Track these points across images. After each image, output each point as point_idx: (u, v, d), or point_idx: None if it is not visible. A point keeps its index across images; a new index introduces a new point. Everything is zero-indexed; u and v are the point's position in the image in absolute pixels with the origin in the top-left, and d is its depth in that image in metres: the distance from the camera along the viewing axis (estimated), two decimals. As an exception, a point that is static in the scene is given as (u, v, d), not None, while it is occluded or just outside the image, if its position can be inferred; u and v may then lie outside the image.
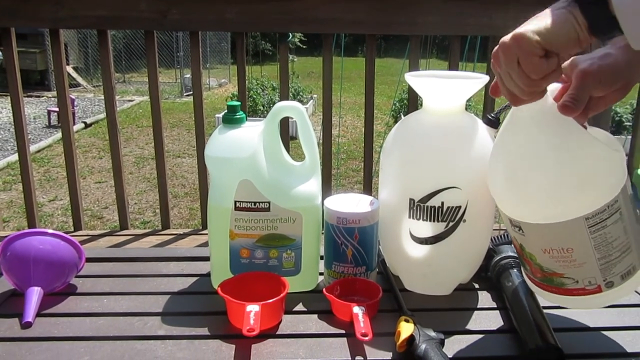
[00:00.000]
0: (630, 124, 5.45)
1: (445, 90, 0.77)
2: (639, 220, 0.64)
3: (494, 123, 0.78)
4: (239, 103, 0.81)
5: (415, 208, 0.77)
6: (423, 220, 0.77)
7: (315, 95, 8.40)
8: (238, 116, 0.80)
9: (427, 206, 0.76)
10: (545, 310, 0.73)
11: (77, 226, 2.02)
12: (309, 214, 0.82)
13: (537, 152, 0.62)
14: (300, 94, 7.94)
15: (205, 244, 1.90)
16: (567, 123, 0.60)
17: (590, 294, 0.64)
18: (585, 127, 0.64)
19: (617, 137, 4.70)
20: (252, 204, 0.79)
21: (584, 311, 0.79)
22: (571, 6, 0.56)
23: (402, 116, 6.67)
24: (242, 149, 0.78)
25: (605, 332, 0.74)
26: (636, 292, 0.85)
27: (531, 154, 0.62)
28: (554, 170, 0.61)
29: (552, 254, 0.63)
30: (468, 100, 0.81)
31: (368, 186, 2.03)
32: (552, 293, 0.67)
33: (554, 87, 0.64)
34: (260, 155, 0.79)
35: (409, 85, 0.83)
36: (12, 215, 3.85)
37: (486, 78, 0.77)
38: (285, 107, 0.82)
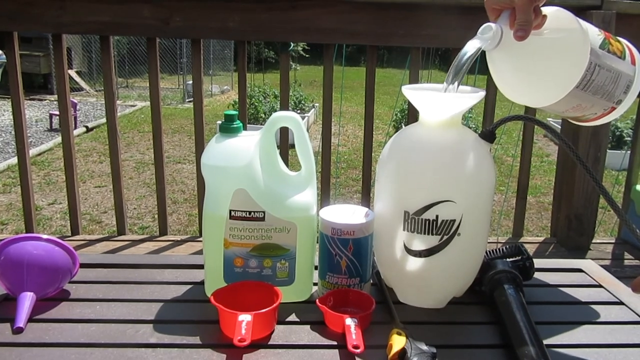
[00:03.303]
0: (631, 138, 5.46)
1: (442, 104, 0.77)
2: (609, 58, 0.79)
3: (489, 137, 0.79)
4: (236, 112, 0.82)
5: (409, 221, 0.77)
6: (417, 233, 0.77)
7: (317, 104, 8.42)
8: (235, 125, 0.81)
9: (422, 219, 0.76)
10: (538, 326, 0.72)
11: (75, 230, 2.02)
12: (304, 224, 0.82)
13: (518, 71, 0.82)
14: (302, 102, 7.95)
15: (202, 251, 1.90)
16: (525, 43, 0.76)
17: (609, 114, 0.83)
18: (545, 16, 0.78)
19: (616, 151, 4.67)
20: (247, 213, 0.79)
21: (577, 328, 0.79)
22: None
23: (403, 126, 6.69)
24: (238, 158, 0.78)
25: (597, 349, 0.73)
26: (628, 308, 0.85)
27: (514, 75, 0.83)
28: (535, 77, 0.80)
29: (569, 112, 0.82)
30: (468, 112, 0.82)
31: (367, 196, 2.03)
32: (586, 123, 0.87)
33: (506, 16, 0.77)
34: (256, 164, 0.79)
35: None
36: (10, 218, 3.85)
37: (482, 93, 0.77)
38: (282, 117, 0.82)
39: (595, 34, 0.79)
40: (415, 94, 0.78)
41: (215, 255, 0.82)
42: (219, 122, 5.79)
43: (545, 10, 0.78)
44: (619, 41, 0.82)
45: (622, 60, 0.80)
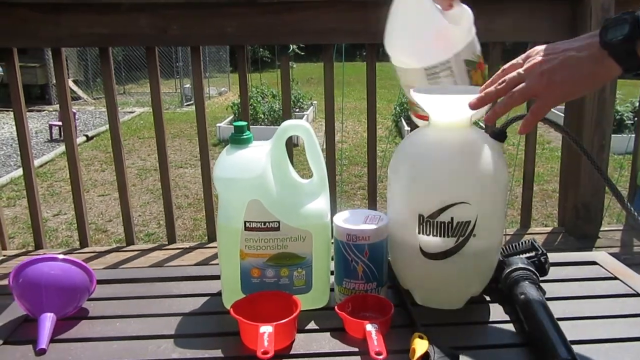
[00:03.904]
0: (632, 122, 5.45)
1: (452, 106, 0.77)
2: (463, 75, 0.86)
3: (500, 136, 0.78)
4: (245, 123, 0.82)
5: (424, 224, 0.77)
6: (433, 235, 0.77)
7: (315, 102, 8.41)
8: (245, 136, 0.81)
9: (437, 222, 0.76)
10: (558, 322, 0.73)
11: (84, 243, 2.02)
12: (319, 232, 0.82)
13: (396, 19, 0.87)
14: (301, 100, 7.95)
15: (212, 258, 1.91)
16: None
17: (425, 119, 0.84)
18: (451, 6, 0.87)
19: (618, 135, 4.66)
20: (262, 223, 0.80)
21: (596, 322, 0.79)
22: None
23: (403, 120, 6.69)
24: (251, 169, 0.78)
25: (619, 344, 0.73)
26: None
27: (395, 21, 0.88)
28: (411, 37, 0.86)
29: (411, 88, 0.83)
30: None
31: (373, 195, 2.03)
32: (413, 116, 0.94)
33: None
34: (268, 174, 0.79)
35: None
36: (16, 232, 3.85)
37: (492, 91, 0.77)
38: (292, 126, 0.82)
39: (473, 52, 0.87)
40: (425, 97, 0.78)
41: (232, 267, 0.82)
42: (219, 124, 5.78)
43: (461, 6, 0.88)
44: (483, 80, 0.86)
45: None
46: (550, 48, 0.70)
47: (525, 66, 0.70)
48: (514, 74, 0.71)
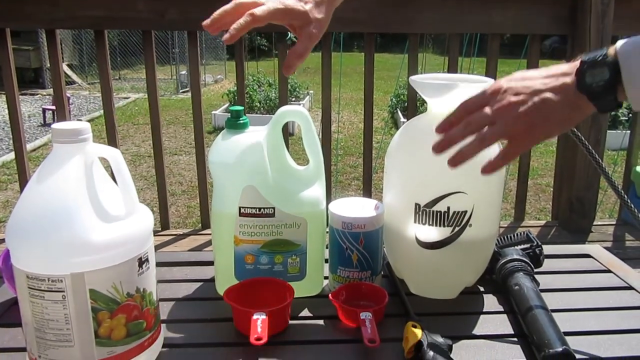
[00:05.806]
0: (626, 118, 5.47)
1: (451, 95, 0.76)
2: None
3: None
4: (242, 107, 0.81)
5: (420, 213, 0.76)
6: (429, 225, 0.76)
7: (311, 91, 8.38)
8: (242, 121, 0.80)
9: (433, 211, 0.75)
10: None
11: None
12: (314, 219, 0.81)
13: None
14: (297, 90, 7.91)
15: (205, 245, 1.90)
16: None
17: None
18: None
19: (612, 131, 4.68)
20: (257, 209, 0.79)
21: (589, 314, 0.79)
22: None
23: (399, 112, 6.68)
24: (246, 154, 0.78)
25: (609, 336, 0.74)
26: (639, 293, 0.85)
27: None
28: None
29: None
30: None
31: (368, 185, 2.03)
32: None
33: None
34: (264, 160, 0.78)
35: (408, 83, 0.82)
36: (8, 216, 3.83)
37: (491, 81, 0.77)
38: (289, 112, 0.81)
39: (113, 285, 0.59)
40: (424, 85, 0.77)
41: (226, 253, 0.82)
42: (214, 112, 5.74)
43: None
44: (108, 332, 0.59)
45: None
46: (521, 86, 0.63)
47: (495, 106, 0.63)
48: (481, 113, 0.63)
